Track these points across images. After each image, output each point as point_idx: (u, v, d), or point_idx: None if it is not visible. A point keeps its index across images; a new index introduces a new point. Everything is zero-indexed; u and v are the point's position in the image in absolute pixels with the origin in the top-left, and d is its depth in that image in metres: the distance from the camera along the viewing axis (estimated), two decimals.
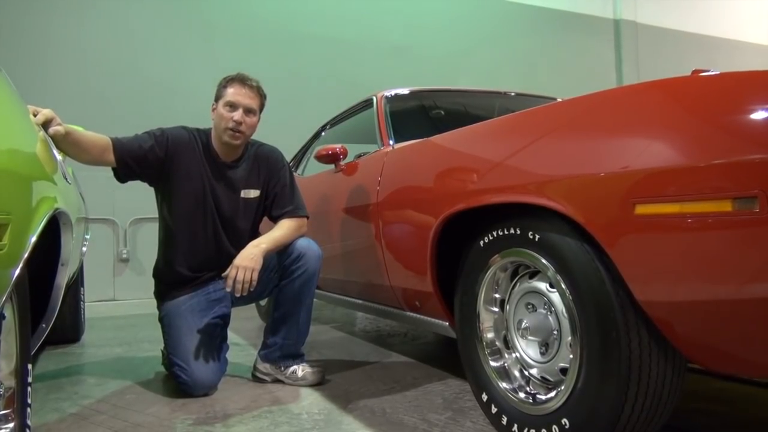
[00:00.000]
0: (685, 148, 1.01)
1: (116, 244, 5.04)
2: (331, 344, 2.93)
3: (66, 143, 1.72)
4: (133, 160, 1.99)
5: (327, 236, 2.50)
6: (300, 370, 2.10)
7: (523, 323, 1.47)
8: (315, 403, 1.88)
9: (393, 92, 2.62)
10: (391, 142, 2.28)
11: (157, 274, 2.20)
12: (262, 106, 2.14)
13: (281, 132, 3.70)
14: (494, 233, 1.49)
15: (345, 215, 2.33)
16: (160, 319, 2.12)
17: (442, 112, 2.71)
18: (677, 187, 0.99)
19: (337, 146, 2.48)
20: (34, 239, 0.81)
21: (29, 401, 1.17)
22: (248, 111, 2.07)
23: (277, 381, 2.13)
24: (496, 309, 1.57)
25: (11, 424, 1.09)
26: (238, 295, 1.94)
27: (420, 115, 2.70)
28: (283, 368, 2.12)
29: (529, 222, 1.37)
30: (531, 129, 1.40)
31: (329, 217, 2.50)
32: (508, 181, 1.38)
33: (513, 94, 2.94)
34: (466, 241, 1.64)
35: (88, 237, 3.00)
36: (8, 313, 1.07)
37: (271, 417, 1.75)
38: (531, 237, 1.36)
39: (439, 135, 1.84)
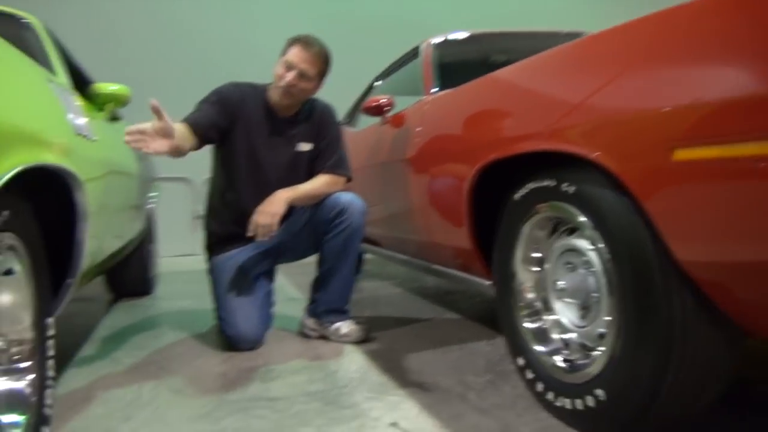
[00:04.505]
0: (731, 80, 0.84)
1: (192, 202, 5.25)
2: (386, 300, 2.90)
3: (174, 150, 1.69)
4: (210, 132, 1.99)
5: (373, 190, 2.44)
6: (344, 326, 2.09)
7: (562, 284, 1.35)
8: (354, 361, 1.85)
9: (441, 38, 2.47)
10: (434, 92, 2.15)
11: (208, 228, 2.23)
12: (322, 73, 2.07)
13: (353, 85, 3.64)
14: (529, 186, 1.36)
15: (388, 168, 2.26)
16: (209, 273, 2.17)
17: (497, 58, 2.53)
18: (721, 127, 0.83)
19: (383, 97, 2.38)
20: None
21: (50, 353, 1.20)
22: (303, 75, 2.01)
23: (322, 337, 2.13)
24: (534, 268, 1.45)
25: (32, 376, 1.12)
26: (259, 239, 1.93)
27: (472, 63, 2.53)
28: (327, 324, 2.11)
29: (564, 172, 1.24)
30: (556, 69, 1.25)
31: (375, 171, 2.43)
32: (534, 127, 1.24)
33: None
34: (503, 195, 1.51)
35: (154, 194, 3.10)
36: (18, 267, 1.09)
37: (308, 373, 1.74)
38: (566, 189, 1.23)
39: (473, 80, 1.71)
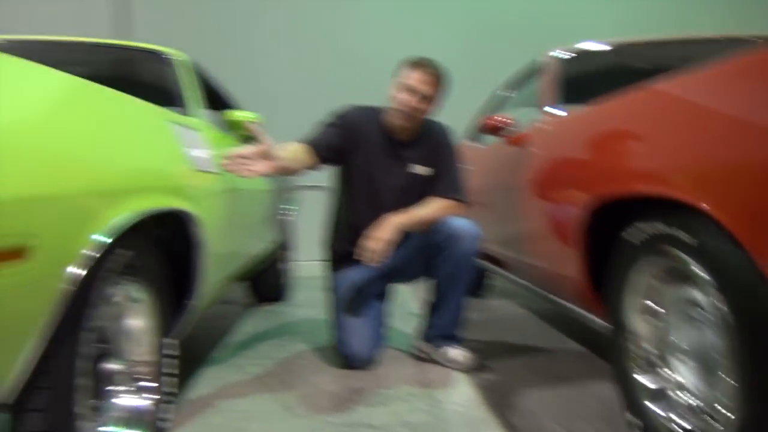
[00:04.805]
0: None
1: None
2: (508, 323, 2.81)
3: (280, 171, 1.84)
4: (328, 153, 2.10)
5: (495, 211, 2.38)
6: (455, 353, 2.06)
7: (678, 339, 1.21)
8: (460, 392, 1.83)
9: (567, 50, 2.33)
10: (554, 110, 2.04)
11: (328, 245, 2.33)
12: (441, 92, 2.10)
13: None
14: (640, 226, 1.25)
15: (506, 190, 2.19)
16: (327, 289, 2.26)
17: (636, 70, 2.34)
18: None
19: (501, 116, 2.31)
20: (73, 269, 0.83)
21: (169, 371, 1.33)
22: (423, 97, 2.04)
23: (433, 361, 2.12)
24: (648, 318, 1.32)
25: (152, 394, 1.26)
26: (368, 264, 1.97)
27: (600, 78, 2.36)
28: (437, 349, 2.10)
29: (679, 218, 1.11)
30: (676, 99, 1.12)
31: (495, 191, 2.37)
32: (644, 166, 1.13)
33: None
34: (616, 231, 1.40)
35: (289, 207, 3.31)
36: (142, 296, 1.22)
37: (413, 401, 1.75)
38: (681, 237, 1.10)
39: (594, 103, 1.59)
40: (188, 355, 2.27)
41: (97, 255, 0.89)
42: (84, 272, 0.87)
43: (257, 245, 2.51)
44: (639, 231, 1.26)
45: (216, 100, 2.82)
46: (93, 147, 0.95)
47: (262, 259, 2.80)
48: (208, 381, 1.94)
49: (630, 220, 1.31)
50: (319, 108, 2.37)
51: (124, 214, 0.98)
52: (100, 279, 0.97)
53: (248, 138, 2.34)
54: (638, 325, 1.33)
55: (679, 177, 1.02)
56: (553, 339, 2.47)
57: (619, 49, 2.38)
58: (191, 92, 2.02)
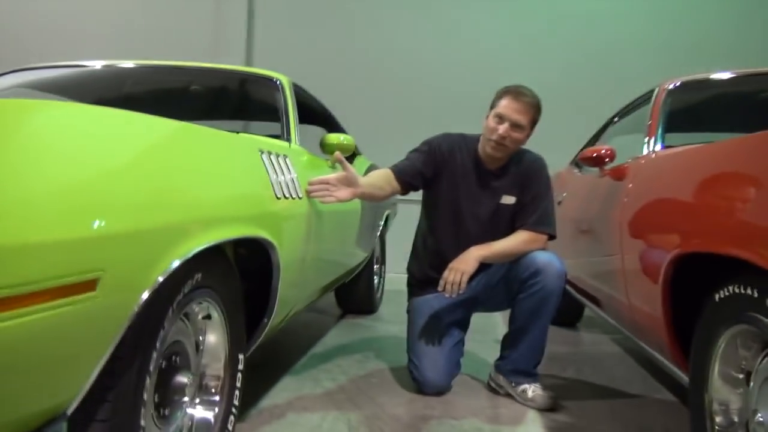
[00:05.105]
0: None
1: None
2: (596, 362, 2.67)
3: (363, 197, 1.96)
4: (414, 180, 2.12)
5: (587, 242, 2.28)
6: (530, 390, 1.99)
7: (765, 418, 1.09)
8: None
9: (684, 80, 2.18)
10: (657, 146, 1.92)
11: (410, 268, 2.34)
12: (533, 122, 2.06)
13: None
14: (729, 289, 1.14)
15: (599, 224, 2.08)
16: (407, 312, 2.28)
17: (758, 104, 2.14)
18: None
19: (604, 147, 2.20)
20: (147, 295, 0.90)
21: (238, 385, 1.41)
22: (515, 126, 2.01)
23: (508, 395, 2.06)
24: (733, 387, 1.20)
25: (220, 407, 1.34)
26: (447, 296, 1.96)
27: (724, 111, 2.18)
28: (513, 384, 2.04)
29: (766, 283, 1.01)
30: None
31: (588, 222, 2.26)
32: (724, 226, 1.03)
33: None
34: (706, 290, 1.29)
35: (381, 223, 3.37)
36: (215, 314, 1.31)
37: None
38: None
39: (701, 144, 1.48)
40: (270, 362, 2.39)
41: (168, 280, 0.97)
42: (155, 296, 0.95)
43: (343, 261, 2.58)
44: (727, 291, 1.16)
45: (318, 122, 2.95)
46: (175, 184, 1.04)
47: (350, 273, 2.88)
48: (283, 391, 2.03)
49: (716, 280, 1.21)
50: (419, 132, 2.39)
51: (201, 243, 1.06)
52: (170, 302, 1.05)
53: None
54: (722, 393, 1.22)
55: (742, 238, 0.93)
56: (643, 385, 2.30)
57: (739, 80, 2.18)
58: (291, 115, 2.12)
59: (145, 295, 0.89)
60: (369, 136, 3.84)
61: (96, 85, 2.41)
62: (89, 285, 0.77)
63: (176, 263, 0.97)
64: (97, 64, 2.37)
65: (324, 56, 5.22)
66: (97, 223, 0.78)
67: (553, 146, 2.77)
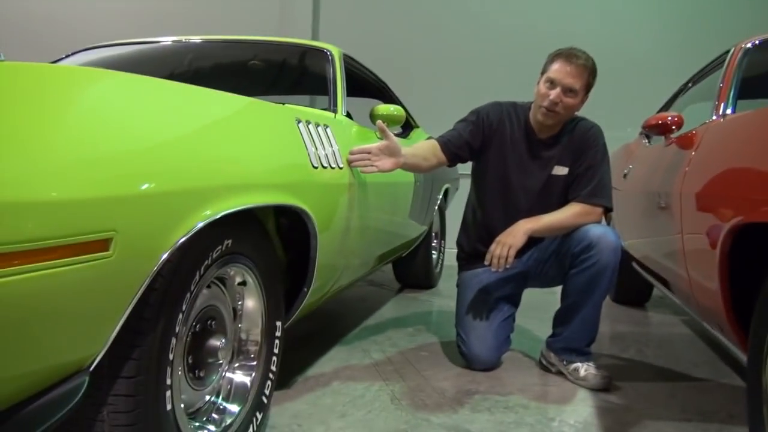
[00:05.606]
0: None
1: None
2: (660, 342, 2.53)
3: (407, 168, 1.94)
4: (461, 151, 2.08)
5: (649, 220, 2.14)
6: (583, 369, 1.92)
7: None
8: (577, 413, 1.70)
9: (764, 38, 1.98)
10: (728, 111, 1.76)
11: (459, 242, 2.30)
12: (588, 86, 1.95)
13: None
14: None
15: (662, 197, 1.95)
16: (457, 286, 2.24)
17: None
18: None
19: (670, 114, 2.05)
20: (165, 256, 0.92)
21: (276, 351, 1.44)
22: (568, 90, 1.91)
23: (560, 373, 2.00)
24: None
25: (257, 372, 1.37)
26: (494, 270, 1.91)
27: None
28: (565, 362, 1.97)
29: None
30: None
31: (651, 199, 2.12)
32: None
33: None
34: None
35: (439, 197, 3.32)
36: (250, 279, 1.33)
37: (521, 413, 1.68)
38: None
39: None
40: (322, 333, 2.43)
41: (192, 244, 0.99)
42: (179, 259, 0.98)
43: (396, 232, 2.56)
44: None
45: (374, 94, 2.93)
46: (201, 149, 1.06)
47: (406, 246, 2.86)
48: (331, 361, 2.06)
49: None
50: (478, 98, 2.31)
51: (225, 208, 1.07)
52: (198, 266, 1.08)
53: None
54: None
55: None
56: (711, 368, 2.16)
57: None
58: (338, 86, 2.12)
59: (164, 257, 0.91)
60: (433, 110, 3.77)
61: (151, 63, 2.50)
62: (102, 245, 0.79)
63: (200, 225, 0.98)
64: (149, 43, 2.46)
65: (390, 30, 5.16)
66: (108, 186, 0.80)
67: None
